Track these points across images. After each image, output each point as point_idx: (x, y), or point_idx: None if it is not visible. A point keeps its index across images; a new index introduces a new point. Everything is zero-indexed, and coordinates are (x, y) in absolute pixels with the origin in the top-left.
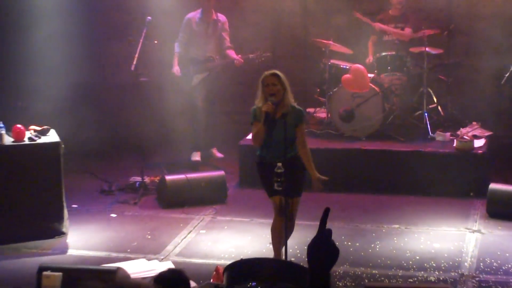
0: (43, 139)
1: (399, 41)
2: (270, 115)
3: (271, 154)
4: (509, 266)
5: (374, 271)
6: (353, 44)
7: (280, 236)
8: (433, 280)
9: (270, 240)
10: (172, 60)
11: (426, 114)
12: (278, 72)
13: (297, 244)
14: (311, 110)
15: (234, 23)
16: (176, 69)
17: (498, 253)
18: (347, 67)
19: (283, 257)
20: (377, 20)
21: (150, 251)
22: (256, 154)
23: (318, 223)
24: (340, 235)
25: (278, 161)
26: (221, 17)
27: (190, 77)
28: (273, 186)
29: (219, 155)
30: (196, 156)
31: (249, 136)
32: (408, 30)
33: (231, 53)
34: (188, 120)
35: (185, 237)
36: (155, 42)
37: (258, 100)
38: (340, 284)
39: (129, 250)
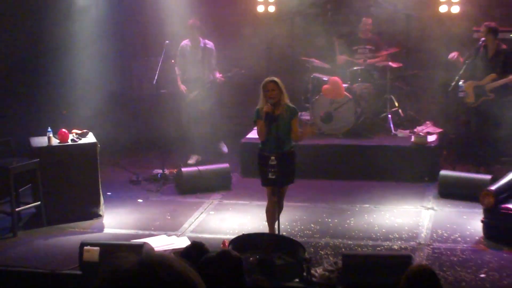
0: (83, 141)
1: (365, 59)
2: (269, 114)
3: (269, 148)
4: (456, 236)
5: (349, 242)
6: (330, 60)
7: (272, 216)
8: (396, 248)
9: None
10: (175, 80)
11: (389, 115)
12: (276, 79)
13: (288, 221)
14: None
15: (236, 45)
16: (182, 87)
17: (448, 225)
18: (326, 79)
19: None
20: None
21: (169, 229)
22: (259, 147)
23: (304, 204)
24: (322, 213)
25: (274, 155)
26: (209, 44)
27: (186, 94)
28: (267, 176)
29: (225, 149)
30: (192, 159)
31: (249, 135)
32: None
33: (216, 74)
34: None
35: (197, 217)
36: (172, 61)
37: (260, 102)
38: (322, 252)
39: (152, 228)
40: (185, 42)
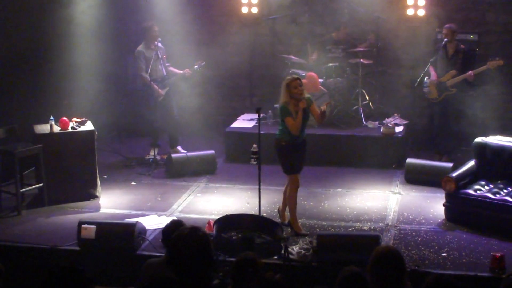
0: (82, 128)
1: (335, 57)
2: (306, 110)
3: (297, 137)
4: (421, 218)
5: (323, 223)
6: (307, 57)
7: (296, 203)
8: (366, 229)
9: (248, 201)
10: (148, 86)
11: (360, 108)
12: (297, 75)
13: (267, 204)
14: (277, 105)
15: (220, 43)
16: (160, 91)
17: (413, 208)
18: (304, 74)
19: (259, 213)
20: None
21: (160, 209)
22: (278, 139)
23: (283, 188)
24: (299, 197)
25: (298, 143)
26: (160, 43)
27: (154, 96)
28: (295, 164)
29: (183, 151)
30: (152, 152)
31: (233, 124)
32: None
33: (174, 69)
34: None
35: (185, 199)
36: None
37: (284, 99)
38: None
39: (144, 209)
40: (140, 46)
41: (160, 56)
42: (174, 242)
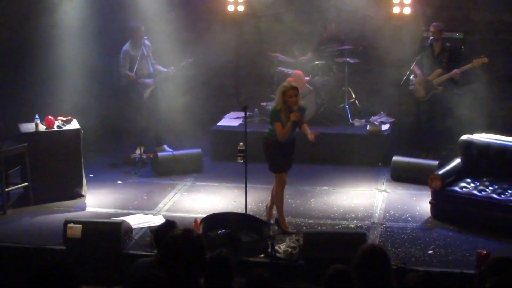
0: (68, 127)
1: (330, 56)
2: (296, 122)
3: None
4: (407, 216)
5: (310, 221)
6: (293, 55)
7: (283, 201)
8: (352, 226)
9: (235, 199)
10: (132, 84)
11: (347, 106)
12: (295, 84)
13: (254, 202)
14: (263, 103)
15: (207, 41)
16: (147, 81)
17: (399, 206)
18: (290, 72)
19: (246, 211)
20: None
21: (146, 208)
22: (267, 136)
23: (269, 186)
24: (285, 195)
25: (286, 142)
26: (146, 40)
27: (140, 93)
28: (281, 163)
29: (169, 150)
30: (138, 151)
31: (220, 123)
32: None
33: (160, 67)
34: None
35: (172, 198)
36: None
37: (277, 104)
38: None
39: (130, 207)
40: (126, 45)
41: (146, 53)
42: (167, 243)
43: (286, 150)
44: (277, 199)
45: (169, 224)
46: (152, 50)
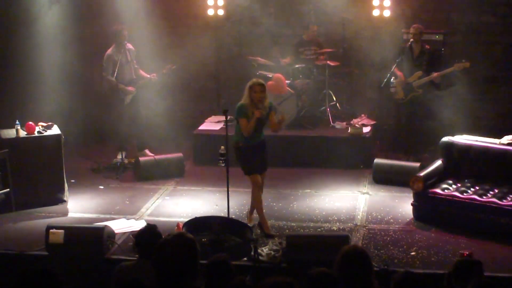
0: (49, 132)
1: (311, 58)
2: (260, 118)
3: (250, 140)
4: (389, 218)
5: (292, 224)
6: (273, 58)
7: (261, 202)
8: (335, 229)
9: (217, 203)
10: (115, 88)
11: (328, 109)
12: (262, 81)
13: (236, 205)
14: None
15: (187, 45)
16: (128, 88)
17: (381, 208)
18: (271, 75)
19: (228, 215)
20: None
21: (128, 213)
22: (236, 140)
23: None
24: (268, 198)
25: (255, 142)
26: (129, 46)
27: (121, 99)
28: (252, 165)
29: (150, 154)
30: (119, 155)
31: (201, 127)
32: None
33: (142, 73)
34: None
35: (154, 202)
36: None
37: (244, 99)
38: None
39: (113, 212)
40: (110, 50)
41: (129, 59)
42: (160, 248)
43: (256, 151)
44: (255, 201)
45: (150, 228)
46: (135, 55)
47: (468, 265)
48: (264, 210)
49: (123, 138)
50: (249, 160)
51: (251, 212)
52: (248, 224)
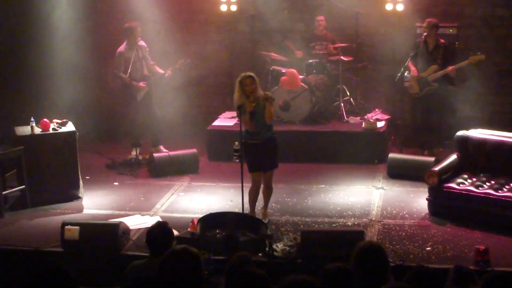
0: (63, 129)
1: (322, 53)
2: (253, 111)
3: (255, 135)
4: (404, 213)
5: (307, 219)
6: (287, 53)
7: (254, 198)
8: (350, 224)
9: (231, 199)
10: (127, 84)
11: (341, 104)
12: (251, 73)
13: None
14: None
15: (200, 41)
16: (141, 85)
17: (396, 203)
18: (284, 71)
19: (243, 211)
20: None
21: (143, 209)
22: (243, 136)
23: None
24: (282, 194)
25: (259, 141)
26: (141, 42)
27: (134, 95)
28: (254, 163)
29: (165, 151)
30: (134, 152)
31: (215, 123)
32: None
33: (158, 69)
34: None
35: (168, 198)
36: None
37: (236, 95)
38: (283, 229)
39: (128, 209)
40: (122, 47)
41: (142, 55)
42: (165, 259)
43: (261, 149)
44: (249, 195)
45: (160, 225)
46: (147, 51)
47: (422, 275)
48: (256, 209)
49: (137, 134)
50: (252, 157)
51: (265, 207)
52: (263, 220)
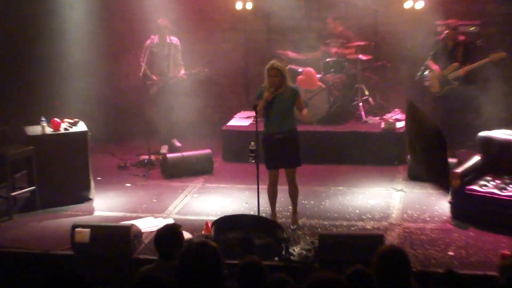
0: (74, 129)
1: (336, 52)
2: (269, 101)
3: (272, 128)
4: (425, 216)
5: (325, 222)
6: (304, 53)
7: (272, 195)
8: (369, 228)
9: (246, 201)
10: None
11: (360, 103)
12: (278, 65)
13: (267, 203)
14: None
15: (215, 40)
16: (155, 77)
17: (417, 206)
18: (301, 70)
19: (258, 213)
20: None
21: (156, 211)
22: (264, 131)
23: (282, 187)
24: (299, 196)
25: (277, 135)
26: (174, 40)
27: (147, 88)
28: (270, 160)
29: (178, 144)
30: (164, 149)
31: (230, 123)
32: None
33: (181, 69)
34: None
35: (182, 200)
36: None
37: (265, 82)
38: (300, 232)
39: (140, 211)
40: (152, 39)
41: (169, 53)
42: (183, 255)
43: (277, 145)
44: (267, 193)
45: (169, 227)
46: (179, 50)
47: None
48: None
49: (168, 129)
50: (266, 153)
51: (294, 211)
52: (292, 226)
